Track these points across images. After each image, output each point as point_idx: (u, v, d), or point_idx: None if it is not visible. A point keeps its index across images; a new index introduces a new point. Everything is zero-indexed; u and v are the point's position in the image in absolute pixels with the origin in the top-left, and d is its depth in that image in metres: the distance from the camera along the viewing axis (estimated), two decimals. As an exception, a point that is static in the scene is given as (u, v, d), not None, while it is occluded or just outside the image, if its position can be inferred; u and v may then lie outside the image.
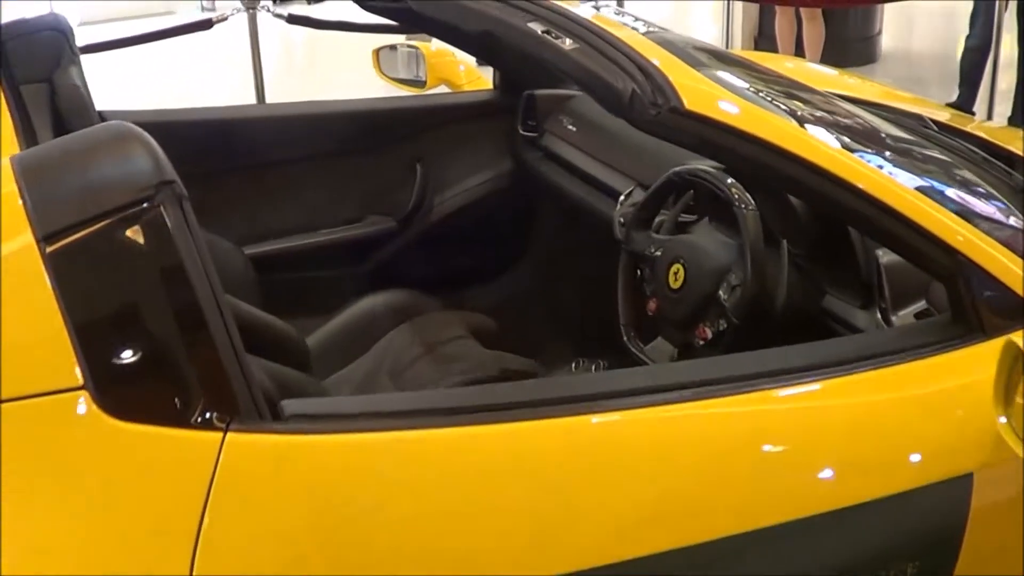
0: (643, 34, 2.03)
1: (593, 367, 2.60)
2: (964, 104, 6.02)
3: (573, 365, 2.63)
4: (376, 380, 2.69)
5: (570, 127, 3.02)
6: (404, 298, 2.90)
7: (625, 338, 2.34)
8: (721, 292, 2.10)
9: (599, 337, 2.67)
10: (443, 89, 3.41)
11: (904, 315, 1.96)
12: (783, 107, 1.99)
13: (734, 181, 2.13)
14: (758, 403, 1.62)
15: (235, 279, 2.56)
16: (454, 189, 3.18)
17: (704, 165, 2.24)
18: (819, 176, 1.78)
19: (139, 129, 1.58)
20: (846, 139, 1.96)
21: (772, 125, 1.85)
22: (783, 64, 3.38)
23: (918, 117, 2.74)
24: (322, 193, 3.04)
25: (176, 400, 1.44)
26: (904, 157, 2.05)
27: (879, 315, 1.99)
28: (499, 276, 3.34)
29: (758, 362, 1.69)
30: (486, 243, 3.28)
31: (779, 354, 1.73)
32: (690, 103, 1.78)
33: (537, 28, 2.00)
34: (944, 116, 2.94)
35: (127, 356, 1.45)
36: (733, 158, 1.88)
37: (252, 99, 5.80)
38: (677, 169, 2.31)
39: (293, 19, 5.72)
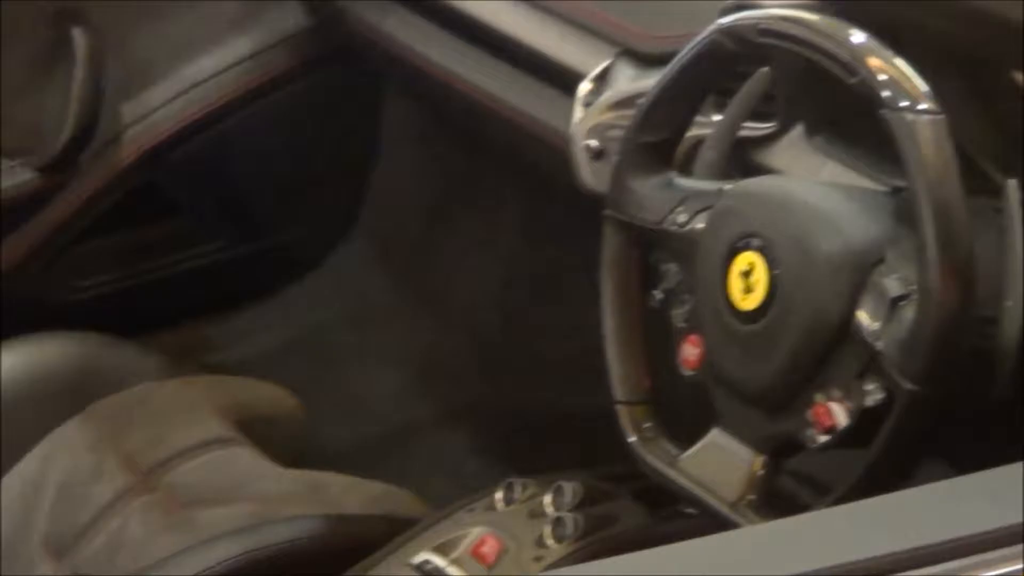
0: None
1: (550, 497, 1.55)
2: None
3: (500, 496, 1.58)
4: (23, 560, 1.67)
5: None
6: (74, 350, 1.89)
7: (631, 434, 1.40)
8: (865, 315, 1.23)
9: (553, 420, 2.01)
10: None
11: None
12: None
13: (872, 42, 1.23)
14: None
15: None
16: (168, 85, 2.11)
17: (785, 5, 1.38)
18: None
19: None
20: None
21: None
22: None
23: None
24: None
25: None
26: None
27: None
28: (295, 283, 2.20)
29: None
30: (259, 208, 2.18)
31: None
32: None
33: None
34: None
35: None
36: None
37: None
38: (729, 19, 1.38)
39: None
